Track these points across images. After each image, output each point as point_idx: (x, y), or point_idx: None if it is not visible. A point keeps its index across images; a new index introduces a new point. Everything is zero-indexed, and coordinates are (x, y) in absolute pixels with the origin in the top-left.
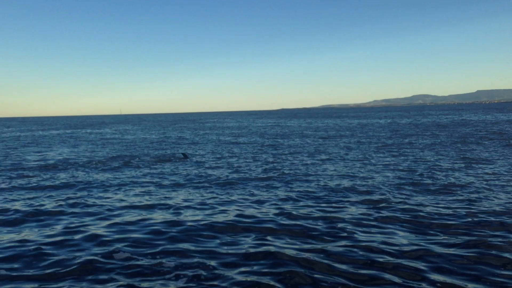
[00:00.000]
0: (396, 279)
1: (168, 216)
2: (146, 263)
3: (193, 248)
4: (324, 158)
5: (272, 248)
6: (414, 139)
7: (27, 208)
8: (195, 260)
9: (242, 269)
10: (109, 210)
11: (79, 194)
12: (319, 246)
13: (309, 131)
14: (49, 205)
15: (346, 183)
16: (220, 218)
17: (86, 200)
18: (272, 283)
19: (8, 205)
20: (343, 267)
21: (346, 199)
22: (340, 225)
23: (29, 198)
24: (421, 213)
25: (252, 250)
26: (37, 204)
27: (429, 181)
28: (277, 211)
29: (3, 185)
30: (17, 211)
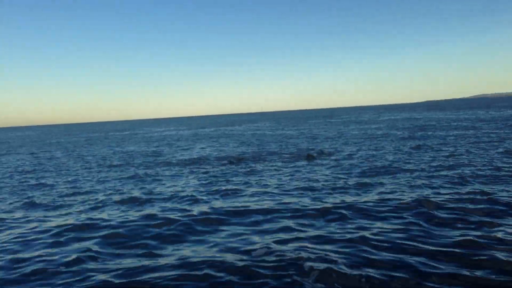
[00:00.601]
0: None
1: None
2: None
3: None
4: (475, 151)
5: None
6: None
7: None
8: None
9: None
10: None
11: (226, 184)
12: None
13: (454, 122)
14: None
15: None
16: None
17: (237, 190)
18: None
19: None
20: None
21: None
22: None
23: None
24: None
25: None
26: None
27: None
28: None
29: (171, 173)
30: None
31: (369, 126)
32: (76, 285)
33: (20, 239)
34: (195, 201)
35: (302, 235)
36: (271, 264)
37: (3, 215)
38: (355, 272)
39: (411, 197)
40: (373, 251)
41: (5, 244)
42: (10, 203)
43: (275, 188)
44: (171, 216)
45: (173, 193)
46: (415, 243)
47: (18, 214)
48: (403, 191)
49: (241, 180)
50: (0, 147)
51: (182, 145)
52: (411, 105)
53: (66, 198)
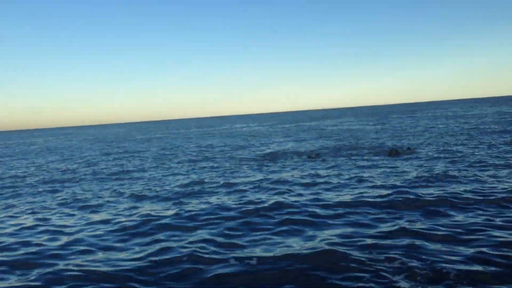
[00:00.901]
0: None
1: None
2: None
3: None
4: None
5: None
6: None
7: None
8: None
9: None
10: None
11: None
12: None
13: None
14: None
15: None
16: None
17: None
18: None
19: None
20: None
21: None
22: None
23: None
24: None
25: None
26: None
27: None
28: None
29: (251, 167)
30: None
31: (456, 120)
32: (194, 276)
33: (119, 232)
34: (274, 193)
35: (391, 229)
36: (364, 260)
37: (106, 206)
38: (465, 271)
39: (507, 194)
40: (479, 249)
41: (105, 237)
42: (112, 196)
43: (356, 181)
44: (251, 208)
45: (252, 186)
46: None
47: (121, 206)
48: (496, 188)
49: (320, 174)
50: (94, 142)
51: (262, 140)
52: (503, 98)
53: (149, 190)
